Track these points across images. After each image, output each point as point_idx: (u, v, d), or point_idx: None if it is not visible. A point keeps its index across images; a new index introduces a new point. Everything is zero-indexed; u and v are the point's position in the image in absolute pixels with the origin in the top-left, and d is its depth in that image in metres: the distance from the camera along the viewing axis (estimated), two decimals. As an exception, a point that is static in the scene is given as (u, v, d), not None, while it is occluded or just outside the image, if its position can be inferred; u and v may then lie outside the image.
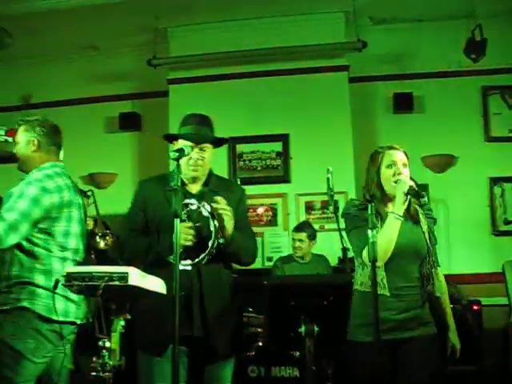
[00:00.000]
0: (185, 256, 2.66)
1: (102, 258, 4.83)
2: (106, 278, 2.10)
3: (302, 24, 5.83)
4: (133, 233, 2.93)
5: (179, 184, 2.57)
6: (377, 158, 2.71)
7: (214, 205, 2.69)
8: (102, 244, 4.99)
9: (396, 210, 2.57)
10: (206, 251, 2.66)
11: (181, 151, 2.67)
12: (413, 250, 2.62)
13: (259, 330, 4.41)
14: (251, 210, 5.82)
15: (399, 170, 2.63)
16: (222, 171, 5.78)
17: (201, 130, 2.89)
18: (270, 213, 5.86)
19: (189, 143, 2.82)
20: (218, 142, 2.97)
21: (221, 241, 2.72)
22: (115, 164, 6.38)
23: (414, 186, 2.55)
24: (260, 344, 4.14)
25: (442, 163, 5.99)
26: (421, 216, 2.71)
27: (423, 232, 2.65)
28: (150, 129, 6.40)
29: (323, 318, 2.08)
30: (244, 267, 3.06)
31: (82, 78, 6.48)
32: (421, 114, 6.07)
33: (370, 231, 2.34)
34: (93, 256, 4.88)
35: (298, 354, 3.77)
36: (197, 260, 2.68)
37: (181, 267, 2.51)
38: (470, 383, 4.18)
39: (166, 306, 2.49)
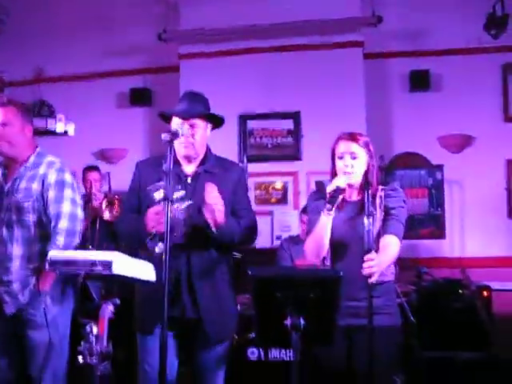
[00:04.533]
0: (159, 239, 2.59)
1: (107, 230, 4.80)
2: (88, 266, 2.06)
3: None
4: (127, 214, 2.92)
5: (171, 167, 2.52)
6: (333, 148, 2.77)
7: (206, 195, 2.59)
8: (107, 214, 4.93)
9: (327, 209, 2.62)
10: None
11: (174, 133, 2.61)
12: (355, 243, 2.62)
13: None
14: (262, 188, 5.79)
15: (346, 163, 2.69)
16: (232, 148, 5.73)
17: (193, 106, 2.81)
18: (281, 191, 5.79)
19: (179, 120, 2.76)
20: (211, 119, 2.88)
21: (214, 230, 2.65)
22: (126, 140, 6.33)
23: (341, 186, 2.58)
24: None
25: (459, 143, 5.84)
26: (377, 206, 2.69)
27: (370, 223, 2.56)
28: (161, 104, 6.30)
29: (310, 311, 2.01)
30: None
31: (93, 52, 6.38)
32: (438, 93, 5.89)
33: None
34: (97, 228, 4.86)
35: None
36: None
37: (158, 251, 2.51)
38: (479, 371, 4.09)
39: (155, 288, 2.47)
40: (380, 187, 2.74)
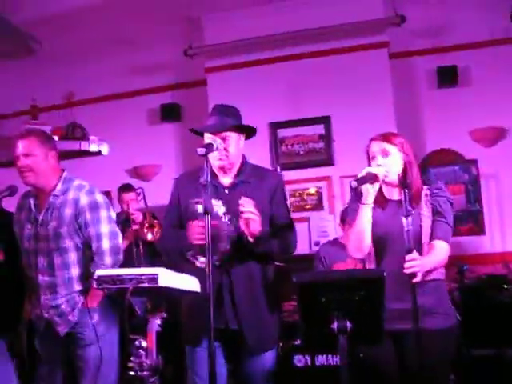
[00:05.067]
0: (202, 254, 2.61)
1: (150, 250, 4.90)
2: (135, 281, 2.11)
3: (338, 2, 5.64)
4: (169, 230, 2.96)
5: (209, 180, 2.56)
6: (367, 150, 2.79)
7: (241, 208, 2.63)
8: (149, 236, 5.03)
9: (363, 199, 2.66)
10: (218, 255, 2.60)
11: (209, 146, 2.65)
12: (397, 241, 2.60)
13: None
14: (297, 194, 5.80)
15: (377, 163, 2.71)
16: (265, 157, 5.75)
17: (222, 119, 2.85)
18: (316, 197, 5.79)
19: (211, 135, 2.80)
20: (243, 130, 2.92)
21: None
22: (159, 156, 6.42)
23: (372, 171, 2.64)
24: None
25: (492, 136, 5.75)
26: (423, 204, 2.70)
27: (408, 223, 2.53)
28: (191, 118, 6.39)
29: (355, 313, 2.02)
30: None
31: (122, 71, 6.51)
32: (467, 87, 5.81)
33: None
34: (141, 249, 4.97)
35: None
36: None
37: (199, 265, 2.54)
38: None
39: (200, 301, 2.51)
40: (425, 187, 2.74)
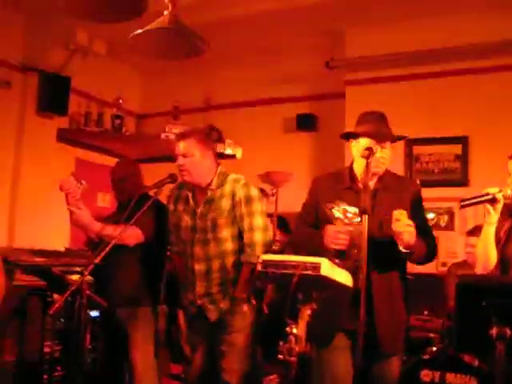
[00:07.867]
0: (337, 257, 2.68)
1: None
2: (301, 267, 2.22)
3: (484, 19, 5.52)
4: (304, 227, 3.05)
5: (368, 182, 2.67)
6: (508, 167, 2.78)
7: (395, 225, 2.65)
8: None
9: (486, 218, 2.66)
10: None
11: (370, 150, 2.77)
12: None
13: (432, 335, 4.34)
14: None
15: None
16: (399, 173, 5.72)
17: (381, 127, 2.94)
18: (447, 217, 5.71)
19: (368, 141, 2.88)
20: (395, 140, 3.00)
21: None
22: (291, 163, 6.54)
23: (490, 192, 2.60)
24: (434, 349, 4.09)
25: None
26: None
27: None
28: (326, 130, 6.52)
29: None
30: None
31: (261, 80, 6.77)
32: None
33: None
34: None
35: (476, 362, 3.67)
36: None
37: None
38: None
39: (335, 300, 2.60)
40: None
